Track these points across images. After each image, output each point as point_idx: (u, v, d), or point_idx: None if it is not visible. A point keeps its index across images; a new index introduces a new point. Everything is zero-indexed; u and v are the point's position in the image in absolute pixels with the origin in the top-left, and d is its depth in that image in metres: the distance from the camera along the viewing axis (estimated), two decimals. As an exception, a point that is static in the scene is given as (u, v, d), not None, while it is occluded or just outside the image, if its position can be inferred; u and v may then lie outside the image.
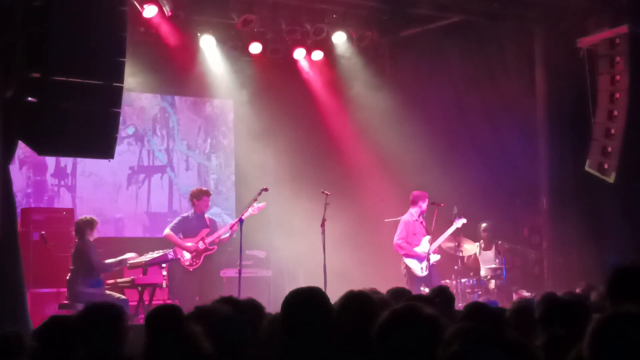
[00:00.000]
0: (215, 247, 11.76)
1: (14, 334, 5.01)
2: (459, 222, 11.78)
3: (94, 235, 10.58)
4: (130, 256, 10.72)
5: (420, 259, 11.58)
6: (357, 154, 14.30)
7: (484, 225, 12.91)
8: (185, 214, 12.11)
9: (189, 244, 11.53)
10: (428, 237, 11.60)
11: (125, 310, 5.02)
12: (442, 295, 6.12)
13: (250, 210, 11.52)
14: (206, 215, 12.02)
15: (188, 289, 11.42)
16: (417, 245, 11.66)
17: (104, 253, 11.17)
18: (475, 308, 4.75)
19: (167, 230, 11.74)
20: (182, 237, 11.65)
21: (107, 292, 10.51)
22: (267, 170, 14.36)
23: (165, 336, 3.62)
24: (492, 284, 12.46)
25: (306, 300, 4.04)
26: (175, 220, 11.91)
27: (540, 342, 4.14)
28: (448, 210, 11.83)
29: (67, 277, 10.40)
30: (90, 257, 10.29)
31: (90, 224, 10.58)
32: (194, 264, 11.57)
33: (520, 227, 13.82)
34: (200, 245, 11.59)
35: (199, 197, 11.89)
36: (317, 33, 13.21)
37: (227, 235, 11.80)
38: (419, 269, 11.56)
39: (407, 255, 11.64)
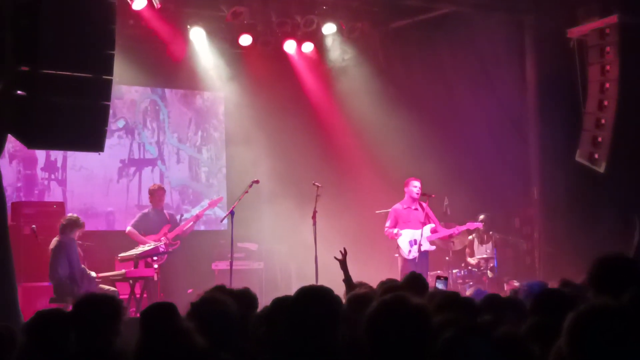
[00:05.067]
0: (179, 242, 11.81)
1: (6, 328, 5.01)
2: (473, 225, 11.94)
3: (77, 234, 10.58)
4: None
5: (409, 240, 11.65)
6: (348, 145, 14.30)
7: (481, 217, 12.90)
8: (145, 211, 12.22)
9: (150, 241, 11.53)
10: (432, 225, 11.66)
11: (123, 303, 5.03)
12: (416, 282, 6.11)
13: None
14: (165, 211, 12.09)
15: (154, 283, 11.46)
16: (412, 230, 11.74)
17: (94, 247, 11.18)
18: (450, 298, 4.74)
19: (129, 228, 11.84)
20: (143, 234, 11.69)
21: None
22: (258, 162, 14.34)
23: (158, 334, 3.62)
24: (484, 274, 12.51)
25: (317, 300, 3.93)
26: (136, 217, 12.04)
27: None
28: (440, 201, 11.87)
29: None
30: (70, 257, 10.29)
31: (76, 223, 10.57)
32: (159, 259, 11.57)
33: (512, 217, 13.86)
34: (164, 241, 11.62)
35: (153, 193, 12.08)
36: (307, 25, 13.18)
37: (189, 226, 11.91)
38: (407, 250, 11.63)
39: (393, 238, 11.78)
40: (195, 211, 13.94)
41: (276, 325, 4.41)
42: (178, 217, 12.43)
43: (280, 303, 4.63)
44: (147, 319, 4.45)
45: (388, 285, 5.76)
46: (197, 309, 4.41)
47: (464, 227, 11.81)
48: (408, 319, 3.39)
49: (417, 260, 11.46)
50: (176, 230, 11.85)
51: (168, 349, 3.49)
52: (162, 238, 11.65)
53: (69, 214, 10.95)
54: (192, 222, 12.05)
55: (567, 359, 2.79)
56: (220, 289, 5.37)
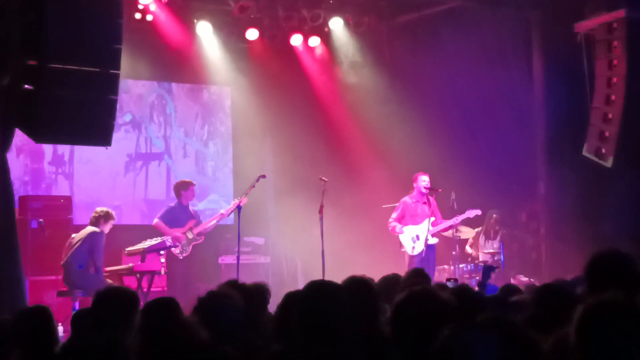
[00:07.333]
0: (203, 237, 11.81)
1: (4, 321, 5.02)
2: (472, 213, 11.81)
3: (106, 228, 10.63)
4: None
5: (411, 237, 11.68)
6: (355, 139, 14.29)
7: (494, 215, 12.87)
8: (171, 204, 12.17)
9: (178, 233, 11.56)
10: (432, 219, 11.64)
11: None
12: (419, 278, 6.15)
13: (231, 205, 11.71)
14: (190, 208, 12.07)
15: (177, 276, 11.47)
16: (415, 225, 11.71)
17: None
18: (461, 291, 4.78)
19: (156, 220, 11.82)
20: (169, 227, 11.71)
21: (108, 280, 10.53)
22: (265, 156, 14.36)
23: (159, 328, 3.64)
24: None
25: (325, 295, 3.90)
26: (163, 210, 12.00)
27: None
28: (446, 195, 11.87)
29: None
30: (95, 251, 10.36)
31: (107, 215, 10.64)
32: (184, 251, 11.61)
33: (518, 212, 13.83)
34: (189, 235, 11.64)
35: (186, 187, 11.98)
36: (314, 19, 13.18)
37: (213, 223, 11.90)
38: (410, 247, 11.66)
39: (394, 233, 11.84)
40: (202, 205, 13.99)
41: (288, 320, 4.41)
42: None
43: (292, 298, 4.63)
44: (148, 314, 4.47)
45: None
46: (203, 303, 4.42)
47: (464, 216, 11.78)
48: (435, 311, 3.46)
49: (423, 255, 11.48)
50: (201, 225, 11.84)
51: (169, 344, 3.49)
52: (189, 231, 11.67)
53: (99, 208, 10.94)
54: (216, 220, 11.99)
55: (575, 349, 2.84)
56: (232, 283, 5.38)
